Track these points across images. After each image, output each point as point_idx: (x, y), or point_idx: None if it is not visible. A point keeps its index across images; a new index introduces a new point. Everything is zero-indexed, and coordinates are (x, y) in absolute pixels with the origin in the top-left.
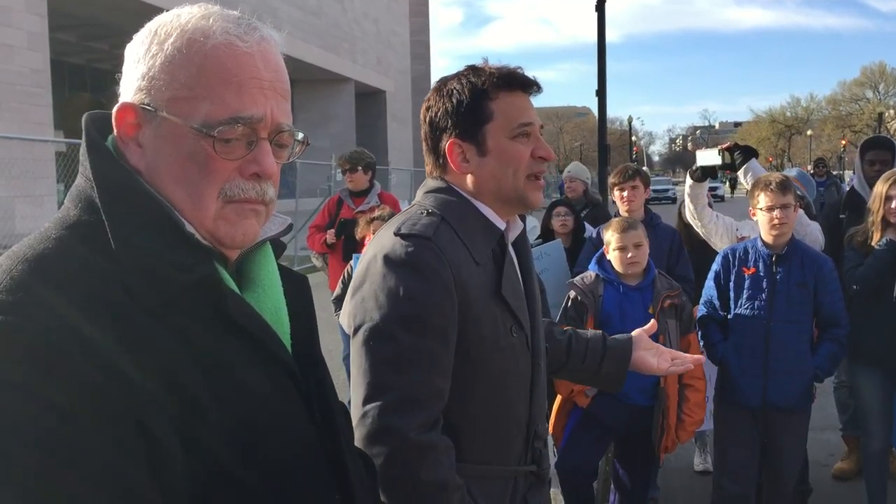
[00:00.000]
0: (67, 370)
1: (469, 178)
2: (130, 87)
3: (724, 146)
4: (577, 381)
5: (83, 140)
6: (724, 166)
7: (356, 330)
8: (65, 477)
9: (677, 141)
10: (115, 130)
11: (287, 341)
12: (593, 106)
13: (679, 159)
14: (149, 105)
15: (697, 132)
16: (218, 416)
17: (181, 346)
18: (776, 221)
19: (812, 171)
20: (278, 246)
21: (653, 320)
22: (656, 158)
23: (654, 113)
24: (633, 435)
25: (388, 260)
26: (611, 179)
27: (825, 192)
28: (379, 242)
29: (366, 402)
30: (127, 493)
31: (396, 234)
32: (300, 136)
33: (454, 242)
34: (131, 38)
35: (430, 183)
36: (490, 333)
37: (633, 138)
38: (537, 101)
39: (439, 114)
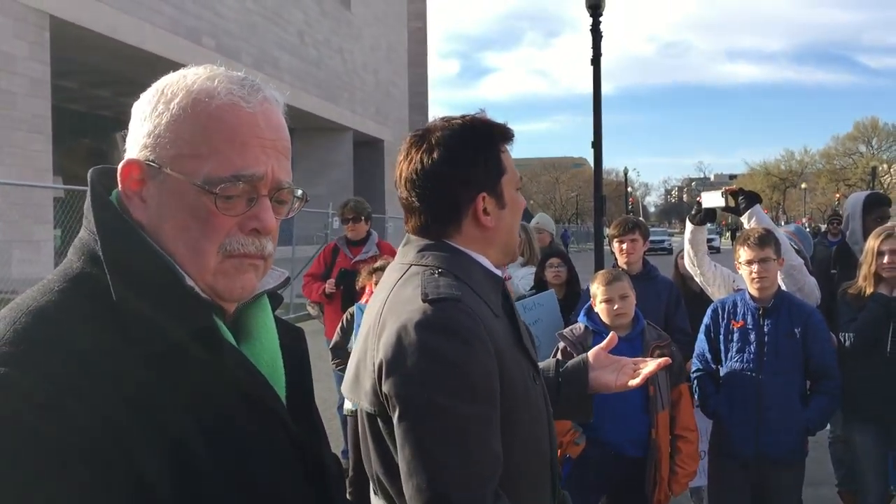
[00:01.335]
0: (65, 423)
1: (486, 232)
2: (136, 144)
3: (729, 189)
4: None
5: (88, 194)
6: (727, 209)
7: (401, 410)
8: None
9: (673, 192)
10: (119, 185)
11: (282, 392)
12: (590, 156)
13: (675, 210)
14: (154, 162)
15: (693, 184)
16: (211, 466)
17: (178, 396)
18: (755, 276)
19: (826, 229)
20: (275, 298)
21: (612, 333)
22: (652, 209)
23: (649, 164)
24: (626, 487)
25: (422, 328)
26: (610, 231)
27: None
28: (402, 310)
29: (431, 483)
30: None
31: (424, 300)
32: (299, 192)
33: (475, 299)
34: (133, 86)
35: (419, 242)
36: (521, 385)
37: (629, 189)
38: (533, 151)
39: (458, 165)
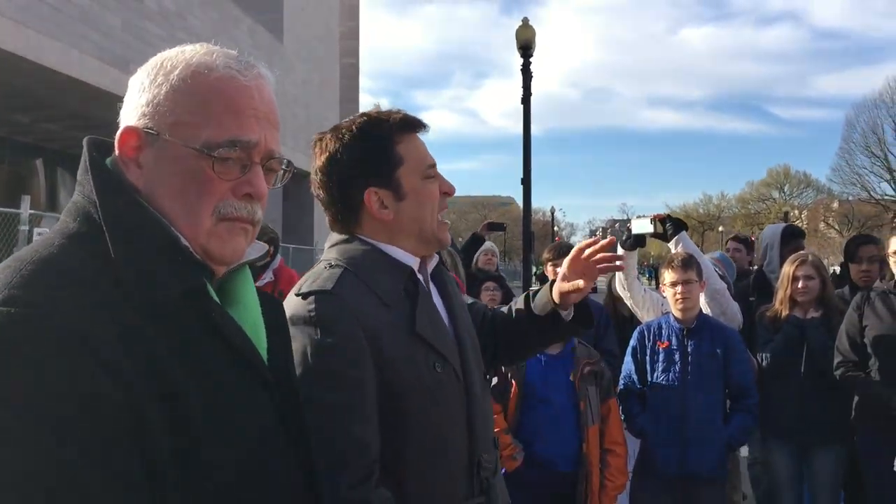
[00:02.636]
0: (68, 358)
1: (386, 224)
2: (133, 114)
3: (658, 216)
4: (531, 346)
5: (84, 160)
6: (655, 235)
7: None
8: (60, 455)
9: (597, 233)
10: (116, 151)
11: (265, 357)
12: (517, 195)
13: None
14: (152, 129)
15: (616, 224)
16: (202, 415)
17: (169, 345)
18: (678, 296)
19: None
20: (255, 270)
21: (611, 237)
22: None
23: (575, 205)
24: (559, 500)
25: (293, 321)
26: (544, 255)
27: None
28: (287, 306)
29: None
30: (116, 474)
31: (297, 293)
32: (286, 163)
33: (359, 290)
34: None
35: (334, 236)
36: (410, 374)
37: (556, 228)
38: (462, 189)
39: (347, 164)
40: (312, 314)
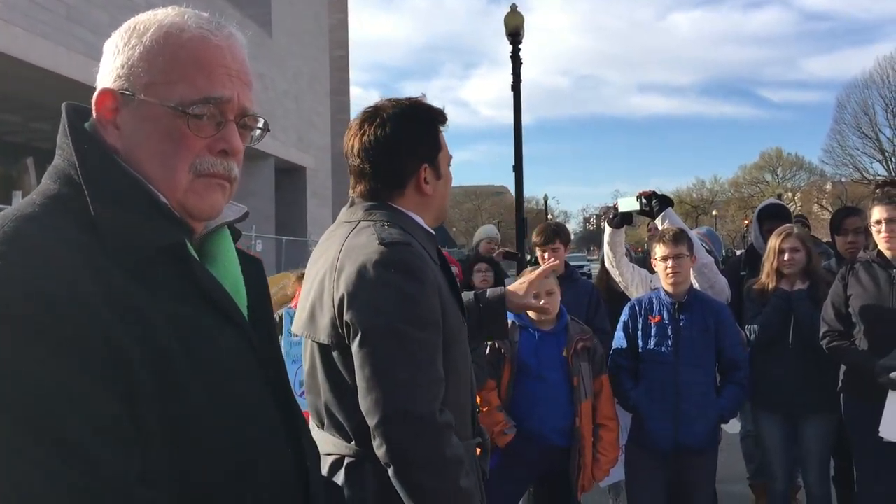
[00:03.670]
0: (54, 310)
1: (424, 198)
2: (109, 76)
3: (644, 193)
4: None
5: (63, 124)
6: (641, 212)
7: (363, 335)
8: (44, 405)
9: (591, 220)
10: (93, 114)
11: (245, 313)
12: (510, 184)
13: (593, 237)
14: (127, 90)
15: (609, 210)
16: (186, 366)
17: (150, 299)
18: (669, 271)
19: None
20: (234, 231)
21: (554, 262)
22: (572, 237)
23: (568, 193)
24: (552, 474)
25: (381, 266)
26: (533, 239)
27: None
28: (360, 253)
29: (387, 394)
30: (103, 425)
31: (381, 243)
32: (261, 122)
33: (420, 248)
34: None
35: (364, 203)
36: (455, 324)
37: (549, 216)
38: (456, 180)
39: (407, 140)
40: (402, 262)
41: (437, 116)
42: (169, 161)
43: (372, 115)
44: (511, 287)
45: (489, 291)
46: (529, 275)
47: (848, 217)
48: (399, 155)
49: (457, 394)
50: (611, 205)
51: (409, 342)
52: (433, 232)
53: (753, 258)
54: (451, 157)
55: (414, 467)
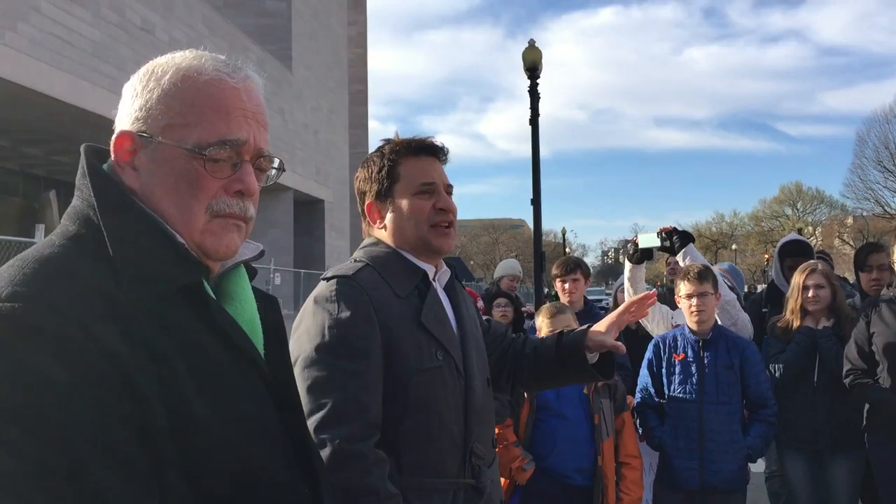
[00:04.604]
0: (73, 353)
1: (386, 232)
2: (127, 119)
3: (664, 229)
4: (551, 379)
5: (82, 165)
6: (662, 248)
7: (295, 362)
8: (59, 437)
9: (610, 253)
10: (112, 156)
11: (261, 351)
12: (528, 218)
13: (612, 271)
14: (145, 132)
15: (628, 244)
16: (202, 407)
17: (168, 339)
18: (694, 308)
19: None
20: (251, 269)
21: (653, 291)
22: (591, 270)
23: (586, 226)
24: None
25: (316, 299)
26: (553, 270)
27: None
28: (314, 290)
29: (315, 417)
30: (118, 463)
31: (323, 278)
32: (276, 162)
33: (376, 281)
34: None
35: (365, 241)
36: (414, 357)
37: (567, 250)
38: (473, 213)
39: (361, 181)
40: (333, 293)
41: (399, 149)
42: (186, 202)
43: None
44: (596, 326)
45: (571, 334)
46: (618, 310)
47: (872, 253)
48: (359, 193)
49: (427, 429)
50: (629, 238)
51: (329, 368)
52: (422, 266)
53: (775, 295)
54: (422, 182)
55: (329, 494)
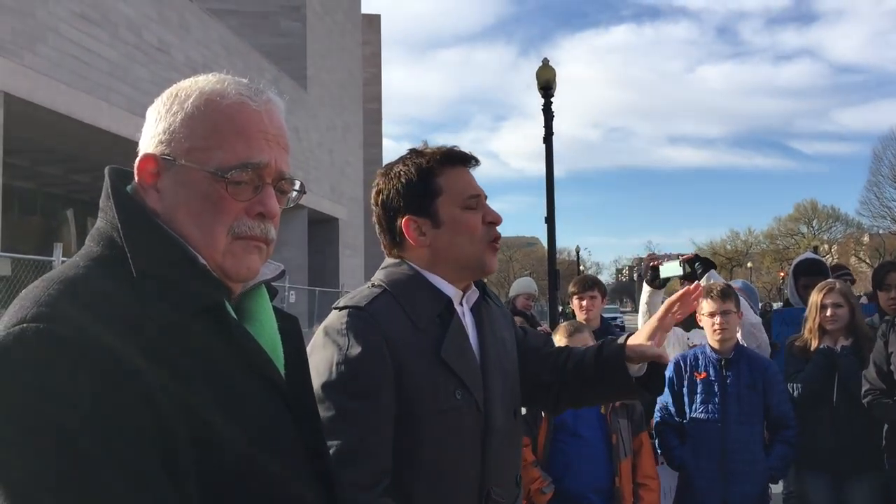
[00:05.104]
0: (96, 373)
1: (426, 251)
2: (151, 141)
3: (686, 257)
4: (595, 396)
5: (106, 187)
6: (685, 276)
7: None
8: (82, 454)
9: (624, 271)
10: (135, 178)
11: (282, 372)
12: (542, 236)
13: (626, 289)
14: (168, 155)
15: (642, 263)
16: (223, 428)
17: (190, 360)
18: (716, 327)
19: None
20: (271, 289)
21: (697, 283)
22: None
23: (600, 244)
24: None
25: (326, 331)
26: (570, 288)
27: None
28: (325, 320)
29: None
30: (141, 482)
31: (334, 307)
32: (297, 184)
33: (392, 310)
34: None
35: (387, 261)
36: (430, 396)
37: (581, 268)
38: None
39: (391, 195)
40: (344, 326)
41: (435, 160)
42: (208, 224)
43: (378, 172)
44: (636, 333)
45: (609, 347)
46: (658, 313)
47: (891, 272)
48: (386, 211)
49: (440, 472)
50: (643, 256)
51: (336, 408)
52: (448, 293)
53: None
54: (469, 195)
55: None
